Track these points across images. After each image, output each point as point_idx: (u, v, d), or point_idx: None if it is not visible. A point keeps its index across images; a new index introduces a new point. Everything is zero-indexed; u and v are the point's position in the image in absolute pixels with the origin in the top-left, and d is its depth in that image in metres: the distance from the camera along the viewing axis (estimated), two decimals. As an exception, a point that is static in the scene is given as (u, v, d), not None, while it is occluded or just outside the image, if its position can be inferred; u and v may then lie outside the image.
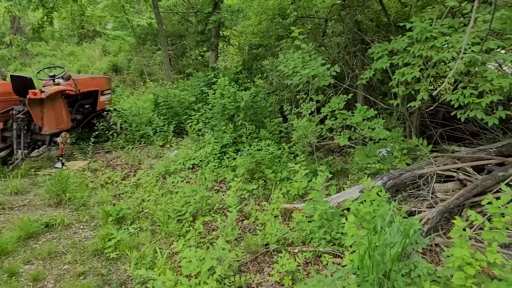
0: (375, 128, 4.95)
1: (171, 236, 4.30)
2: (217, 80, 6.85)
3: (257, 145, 5.72)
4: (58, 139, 6.54)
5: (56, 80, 7.27)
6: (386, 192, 3.87)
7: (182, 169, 6.13)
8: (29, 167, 6.51)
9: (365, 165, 5.13)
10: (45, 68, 7.69)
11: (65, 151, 7.33)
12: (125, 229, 4.39)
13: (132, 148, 7.41)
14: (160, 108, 7.97)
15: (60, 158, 6.58)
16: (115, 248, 4.07)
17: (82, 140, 8.14)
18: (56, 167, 6.52)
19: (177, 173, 5.94)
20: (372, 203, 3.61)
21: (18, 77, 6.50)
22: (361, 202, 3.79)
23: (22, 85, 6.44)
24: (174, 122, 7.79)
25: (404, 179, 4.65)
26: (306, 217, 4.12)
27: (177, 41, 16.60)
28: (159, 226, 4.46)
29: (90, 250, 4.07)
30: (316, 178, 4.24)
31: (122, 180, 5.91)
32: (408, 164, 4.94)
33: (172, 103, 8.16)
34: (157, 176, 5.84)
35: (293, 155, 5.68)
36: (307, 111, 5.41)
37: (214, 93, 6.81)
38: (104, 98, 8.20)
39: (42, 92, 6.15)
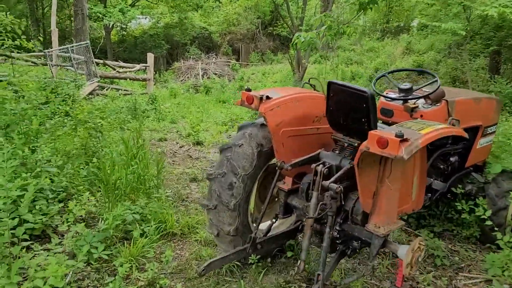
0: None
1: None
2: None
3: None
4: (404, 255, 2.51)
5: (410, 100, 3.26)
6: None
7: None
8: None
9: None
10: (390, 72, 3.70)
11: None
12: None
13: None
14: None
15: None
16: None
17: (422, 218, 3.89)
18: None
19: None
20: None
21: (344, 88, 2.75)
22: None
23: (348, 106, 2.70)
24: None
25: None
26: None
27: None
28: None
29: None
30: None
31: None
32: None
33: None
34: None
35: None
36: None
37: None
38: (485, 142, 3.71)
39: (403, 141, 2.21)
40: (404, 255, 2.41)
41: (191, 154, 6.22)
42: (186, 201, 4.18)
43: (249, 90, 2.73)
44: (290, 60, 16.82)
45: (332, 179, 2.45)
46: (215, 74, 19.02)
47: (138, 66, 13.55)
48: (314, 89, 3.17)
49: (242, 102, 2.73)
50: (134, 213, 3.31)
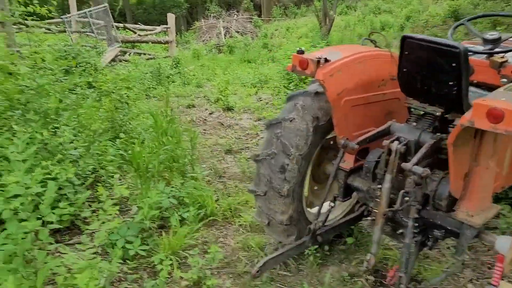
0: None
1: None
2: None
3: None
4: (507, 249, 2.03)
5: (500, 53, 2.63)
6: None
7: None
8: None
9: None
10: (470, 19, 2.98)
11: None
12: None
13: None
14: None
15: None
16: None
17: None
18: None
19: None
20: None
21: (426, 44, 2.12)
22: None
23: (430, 67, 2.13)
24: None
25: None
26: None
27: None
28: None
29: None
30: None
31: None
32: None
33: None
34: None
35: None
36: None
37: None
38: None
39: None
40: (507, 249, 1.92)
41: (222, 122, 5.77)
42: (223, 177, 3.77)
43: (301, 52, 2.18)
44: (316, 13, 15.69)
45: (414, 159, 1.93)
46: (238, 32, 18.12)
47: (159, 28, 12.91)
48: (375, 46, 2.59)
49: (294, 67, 2.19)
50: (169, 197, 2.93)
